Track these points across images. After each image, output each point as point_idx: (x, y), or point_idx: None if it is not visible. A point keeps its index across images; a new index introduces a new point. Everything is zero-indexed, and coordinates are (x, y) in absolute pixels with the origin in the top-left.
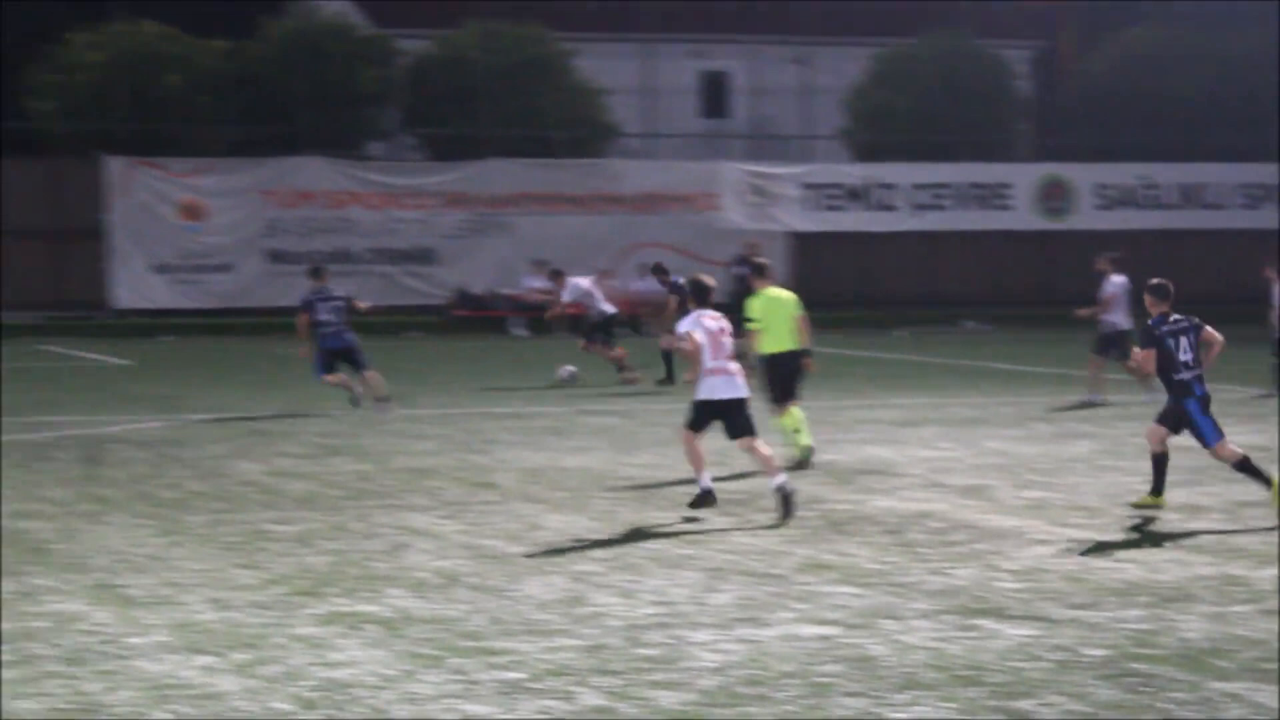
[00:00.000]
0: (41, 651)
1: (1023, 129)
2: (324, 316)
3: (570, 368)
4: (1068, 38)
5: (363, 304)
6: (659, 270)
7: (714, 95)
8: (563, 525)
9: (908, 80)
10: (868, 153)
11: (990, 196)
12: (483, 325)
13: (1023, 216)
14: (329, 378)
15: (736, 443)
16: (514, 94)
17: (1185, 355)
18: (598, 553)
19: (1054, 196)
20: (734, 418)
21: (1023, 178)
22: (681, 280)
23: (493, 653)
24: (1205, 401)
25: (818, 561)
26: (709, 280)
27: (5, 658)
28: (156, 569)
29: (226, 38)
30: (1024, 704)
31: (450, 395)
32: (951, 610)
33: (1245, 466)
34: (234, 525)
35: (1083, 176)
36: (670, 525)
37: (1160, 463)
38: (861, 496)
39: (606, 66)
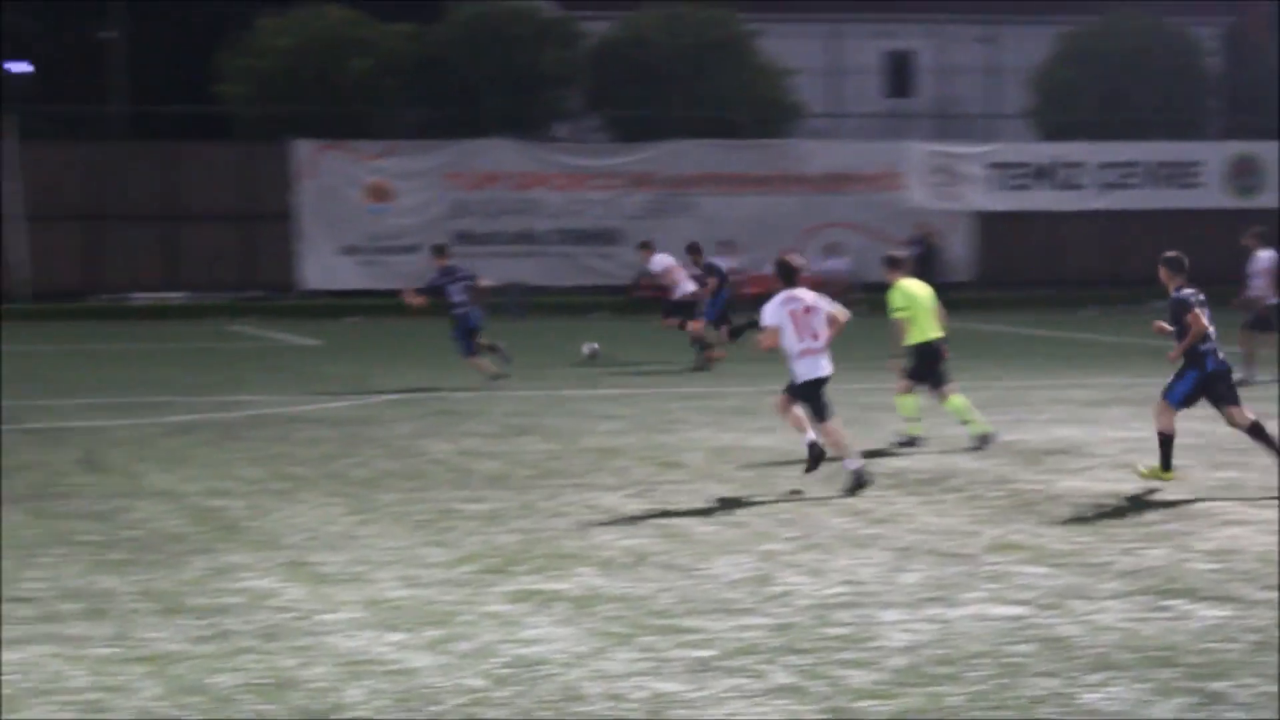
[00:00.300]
0: (236, 627)
1: (1212, 106)
2: (457, 297)
3: (593, 344)
4: (1257, 13)
5: (486, 281)
6: (693, 250)
7: (899, 75)
8: (750, 504)
9: (1094, 58)
10: (1054, 132)
11: (1179, 175)
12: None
13: (1212, 194)
14: (474, 360)
15: (818, 426)
16: (698, 75)
17: (1210, 327)
18: (785, 531)
19: (1245, 174)
20: (819, 398)
21: (1213, 155)
22: (716, 261)
23: (682, 631)
24: (1208, 377)
25: (1007, 542)
26: (796, 260)
27: (201, 633)
28: (348, 546)
29: (412, 21)
30: (1218, 685)
31: (635, 375)
32: (1144, 591)
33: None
34: (424, 503)
35: (1273, 154)
36: (857, 504)
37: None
38: (1050, 476)
39: (791, 47)
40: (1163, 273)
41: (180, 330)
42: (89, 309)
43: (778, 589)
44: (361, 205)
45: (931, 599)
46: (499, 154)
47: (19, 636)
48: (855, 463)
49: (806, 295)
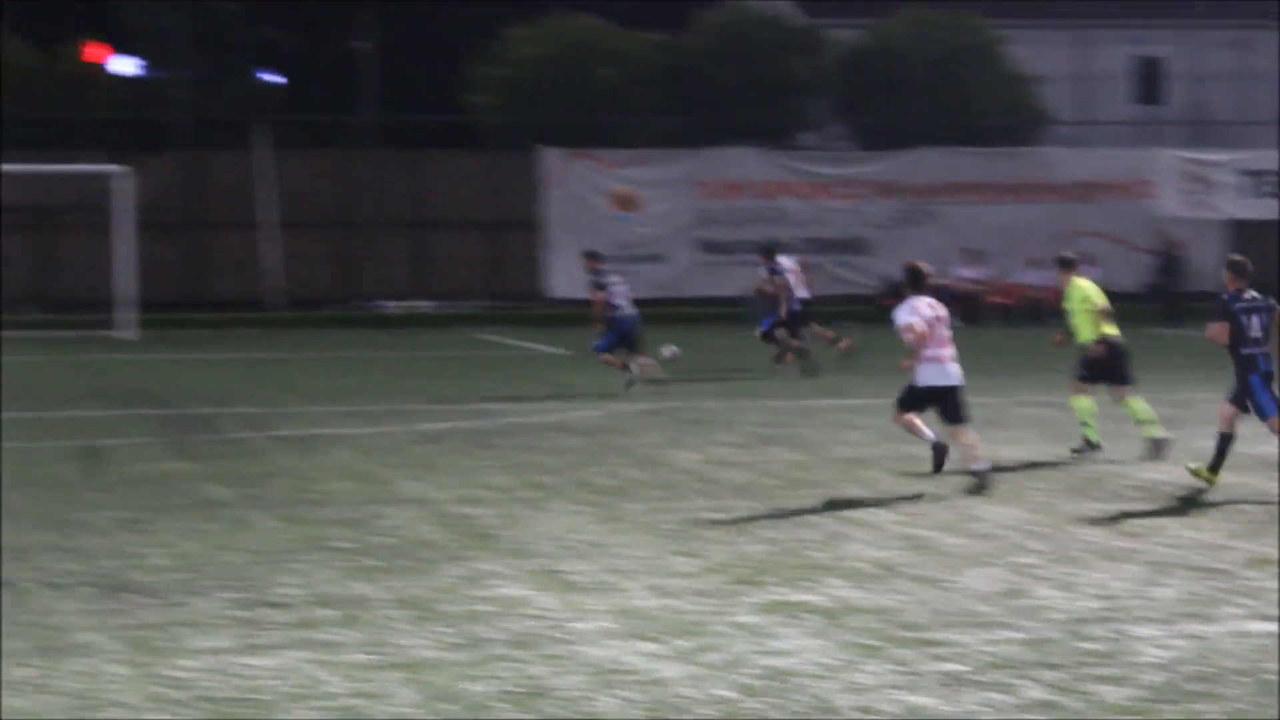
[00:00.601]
0: (489, 635)
1: None
2: (618, 300)
3: (673, 348)
4: None
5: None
6: (766, 252)
7: (1149, 81)
8: (1000, 517)
9: None
10: None
11: None
12: None
13: None
14: (607, 356)
15: (948, 429)
16: (945, 82)
17: (1255, 332)
18: (1036, 545)
19: None
20: (949, 405)
21: None
22: (785, 262)
23: (934, 644)
24: (1268, 377)
25: (1264, 556)
26: (924, 266)
27: (455, 640)
28: (597, 555)
29: (660, 30)
30: None
31: (882, 385)
32: None
33: None
34: (672, 513)
35: None
36: (1109, 517)
37: (1226, 443)
38: None
39: (1039, 53)
40: (1226, 276)
41: (429, 338)
42: (340, 317)
43: (1030, 602)
44: (608, 214)
45: (1187, 614)
46: (745, 162)
47: (275, 642)
48: (983, 464)
49: (935, 304)
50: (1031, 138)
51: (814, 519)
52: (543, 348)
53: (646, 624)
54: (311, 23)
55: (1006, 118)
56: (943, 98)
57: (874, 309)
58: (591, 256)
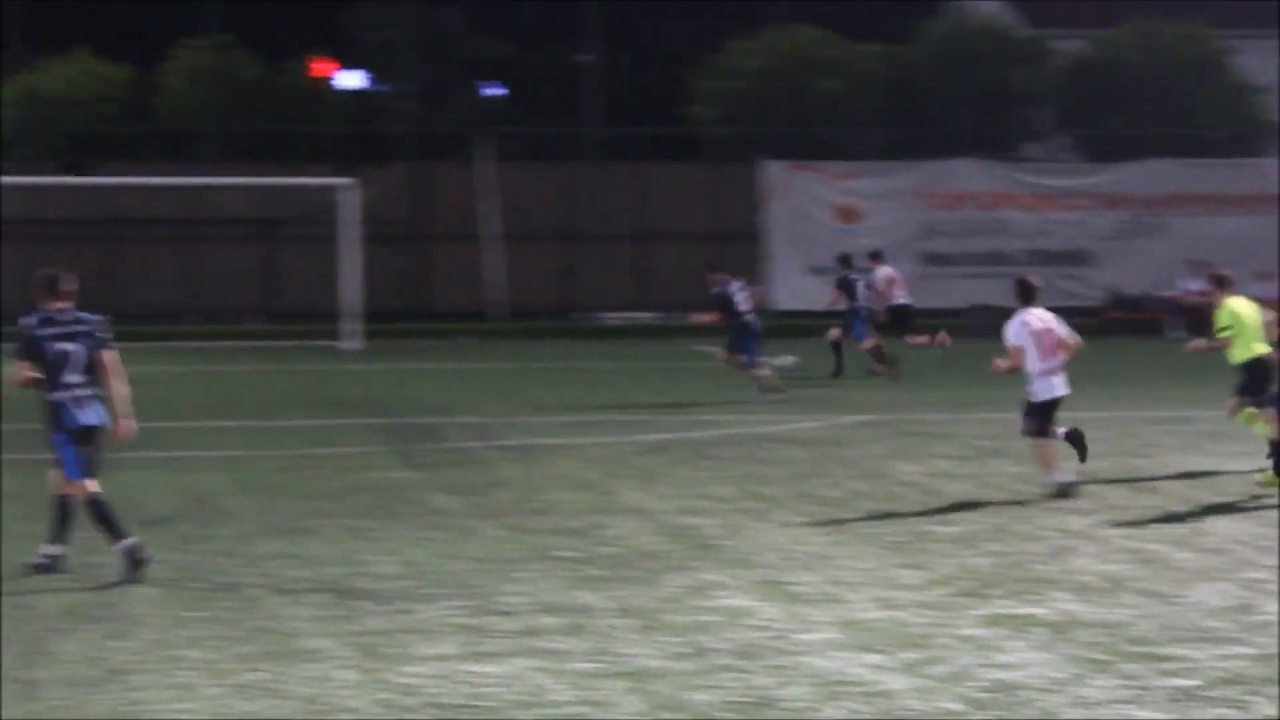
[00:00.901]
0: (713, 645)
1: None
2: (743, 306)
3: (790, 357)
4: None
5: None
6: (844, 263)
7: None
8: (1230, 530)
9: None
10: None
11: None
12: (1138, 328)
13: None
14: (752, 369)
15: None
16: (1171, 93)
17: None
18: (1267, 559)
19: None
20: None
21: None
22: (854, 275)
23: (1163, 659)
24: None
25: None
26: (1036, 280)
27: (679, 650)
28: (821, 567)
29: (882, 42)
30: None
31: (1107, 398)
32: None
33: None
34: (895, 525)
35: None
36: None
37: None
38: None
39: (1266, 64)
40: None
41: (650, 349)
42: (561, 328)
43: (1261, 618)
44: (830, 226)
45: None
46: (968, 174)
47: (501, 650)
48: (1066, 476)
49: (1045, 316)
50: (1259, 148)
51: (1038, 532)
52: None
53: (871, 636)
54: (535, 36)
55: (1233, 129)
56: (1168, 109)
57: (1101, 322)
58: (711, 268)
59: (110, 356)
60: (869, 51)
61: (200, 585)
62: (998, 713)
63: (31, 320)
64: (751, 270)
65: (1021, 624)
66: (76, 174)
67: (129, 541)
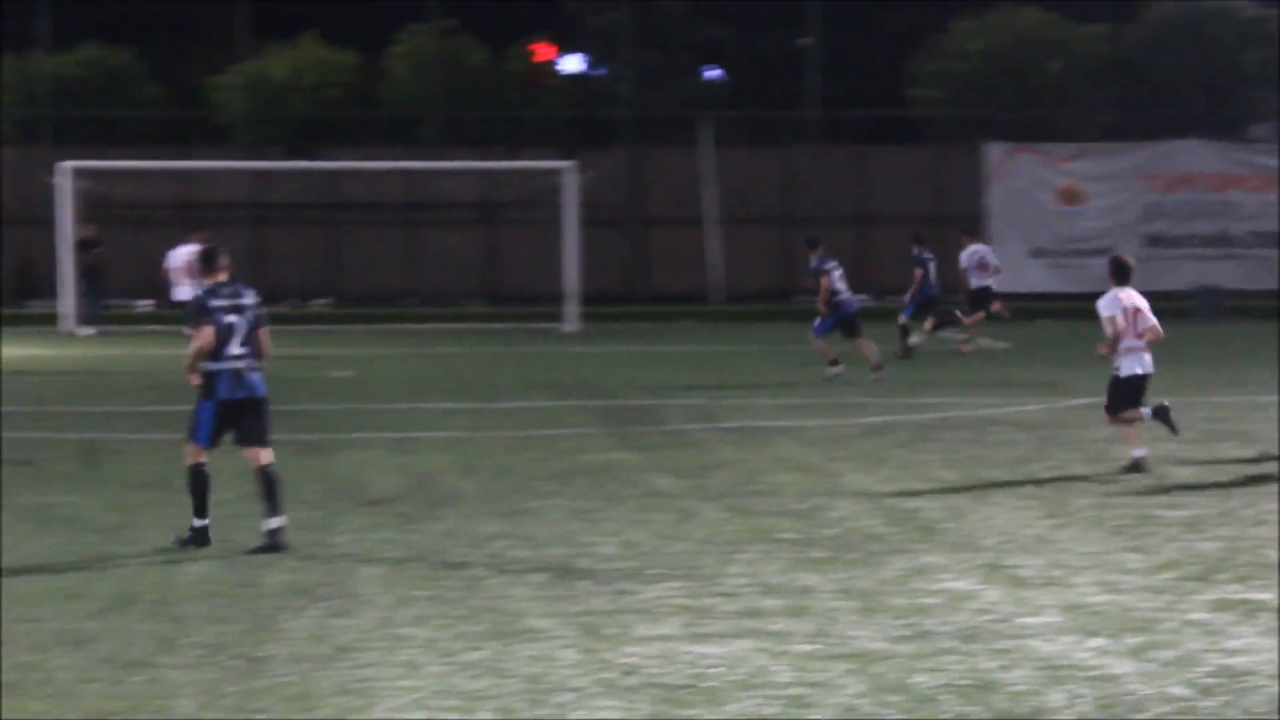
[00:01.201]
0: (936, 628)
1: None
2: (838, 285)
3: (915, 338)
4: None
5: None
6: (917, 239)
7: None
8: None
9: None
10: None
11: None
12: None
13: None
14: (820, 342)
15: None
16: None
17: None
18: None
19: None
20: (1140, 391)
21: None
22: (927, 255)
23: None
24: None
25: None
26: (1129, 259)
27: (901, 632)
28: (1044, 550)
29: (1107, 22)
30: None
31: None
32: None
33: None
34: (1119, 508)
35: None
36: None
37: None
38: None
39: None
40: None
41: (870, 333)
42: (779, 311)
43: None
44: (1053, 208)
45: None
46: (1193, 155)
47: (722, 631)
48: (1139, 451)
49: (1135, 296)
50: None
51: (1267, 516)
52: (984, 341)
53: (1095, 619)
54: (755, 19)
55: None
56: None
57: None
58: (811, 244)
59: (266, 331)
60: (1093, 32)
61: (424, 565)
62: (1224, 698)
63: (199, 293)
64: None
65: (1249, 609)
66: (302, 159)
67: (205, 522)
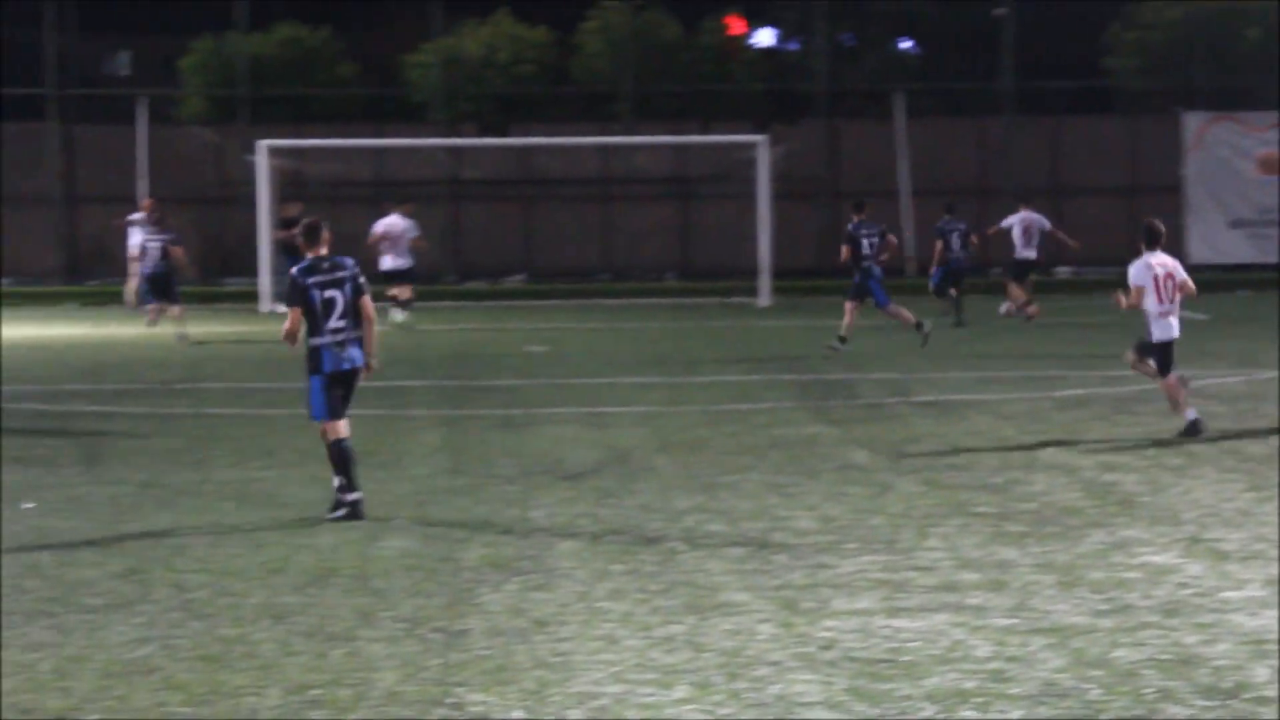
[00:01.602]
0: (1136, 602)
1: None
2: (868, 251)
3: (1007, 303)
4: None
5: (893, 238)
6: (948, 209)
7: None
8: None
9: None
10: None
11: None
12: None
13: None
14: (892, 308)
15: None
16: None
17: None
18: None
19: None
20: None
21: None
22: (950, 225)
23: None
24: None
25: None
26: (1160, 225)
27: (1101, 607)
28: (1247, 524)
29: None
30: None
31: None
32: None
33: None
34: None
35: None
36: None
37: None
38: None
39: None
40: None
41: (1066, 304)
42: (975, 283)
43: None
44: (1251, 178)
45: None
46: None
47: (920, 605)
48: (1192, 413)
49: (1167, 260)
50: None
51: None
52: (1186, 313)
53: None
54: None
55: None
56: None
57: None
58: (857, 207)
59: (367, 301)
60: None
61: (621, 539)
62: None
63: (296, 269)
64: (1171, 224)
65: None
66: (495, 136)
67: (357, 495)
